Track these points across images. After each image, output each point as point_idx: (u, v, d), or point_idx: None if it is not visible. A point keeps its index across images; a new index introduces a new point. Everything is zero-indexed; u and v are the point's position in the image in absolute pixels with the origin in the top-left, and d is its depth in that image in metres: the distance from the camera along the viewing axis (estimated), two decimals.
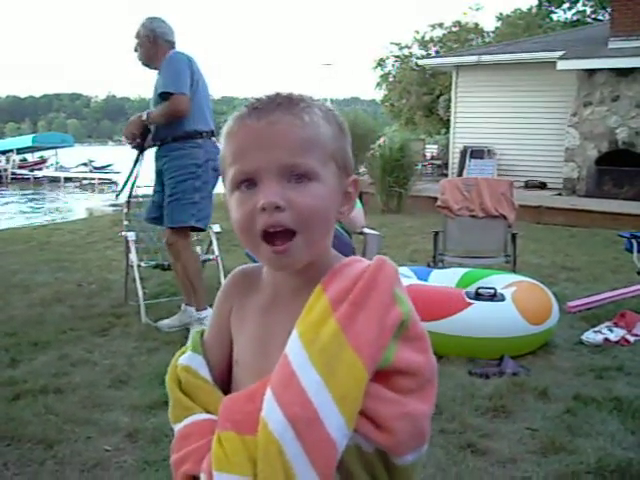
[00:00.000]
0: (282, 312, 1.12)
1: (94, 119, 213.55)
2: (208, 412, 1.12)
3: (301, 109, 1.06)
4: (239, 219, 1.05)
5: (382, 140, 14.38)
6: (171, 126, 4.72)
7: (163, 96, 4.70)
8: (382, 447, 0.98)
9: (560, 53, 14.26)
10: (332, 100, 41.33)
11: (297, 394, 0.95)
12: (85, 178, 35.49)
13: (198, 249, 5.84)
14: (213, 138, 4.89)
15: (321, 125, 1.07)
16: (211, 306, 4.52)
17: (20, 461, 3.07)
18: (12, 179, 35.32)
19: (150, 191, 5.19)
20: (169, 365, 1.22)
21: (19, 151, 38.12)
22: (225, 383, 1.19)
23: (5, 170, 35.59)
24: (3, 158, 36.39)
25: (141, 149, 4.95)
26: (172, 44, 4.94)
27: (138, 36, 4.93)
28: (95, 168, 37.12)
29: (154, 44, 4.88)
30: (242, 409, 1.01)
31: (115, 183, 33.26)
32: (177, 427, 1.15)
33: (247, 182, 1.04)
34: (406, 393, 0.99)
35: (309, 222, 1.03)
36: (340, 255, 1.15)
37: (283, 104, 1.06)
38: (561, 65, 13.94)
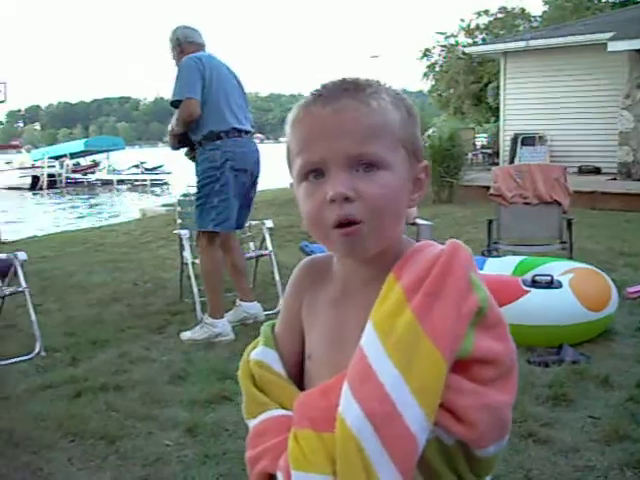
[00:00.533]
0: (354, 303, 1.08)
1: (143, 121, 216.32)
2: (283, 408, 1.09)
3: (368, 95, 1.02)
4: (309, 211, 1.03)
5: (431, 131, 14.26)
6: (193, 131, 4.78)
7: (175, 104, 4.76)
8: (464, 440, 0.95)
9: (610, 34, 13.87)
10: None
11: (374, 388, 0.92)
12: (137, 180, 36.13)
13: (251, 245, 5.88)
14: (245, 135, 4.87)
15: (389, 111, 1.03)
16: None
17: (84, 456, 3.13)
18: (66, 183, 36.14)
19: None
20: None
21: (72, 156, 39.02)
22: (297, 377, 1.16)
23: (59, 175, 36.45)
24: (57, 163, 37.21)
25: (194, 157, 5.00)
26: (198, 45, 4.97)
27: (170, 46, 5.02)
28: (146, 170, 37.68)
29: (180, 50, 4.94)
30: (317, 405, 0.99)
31: (166, 184, 33.78)
32: (252, 423, 1.12)
33: (314, 172, 1.02)
34: (486, 383, 0.95)
35: (379, 212, 0.99)
36: (411, 240, 1.11)
37: (349, 90, 1.02)
38: (612, 46, 13.57)
